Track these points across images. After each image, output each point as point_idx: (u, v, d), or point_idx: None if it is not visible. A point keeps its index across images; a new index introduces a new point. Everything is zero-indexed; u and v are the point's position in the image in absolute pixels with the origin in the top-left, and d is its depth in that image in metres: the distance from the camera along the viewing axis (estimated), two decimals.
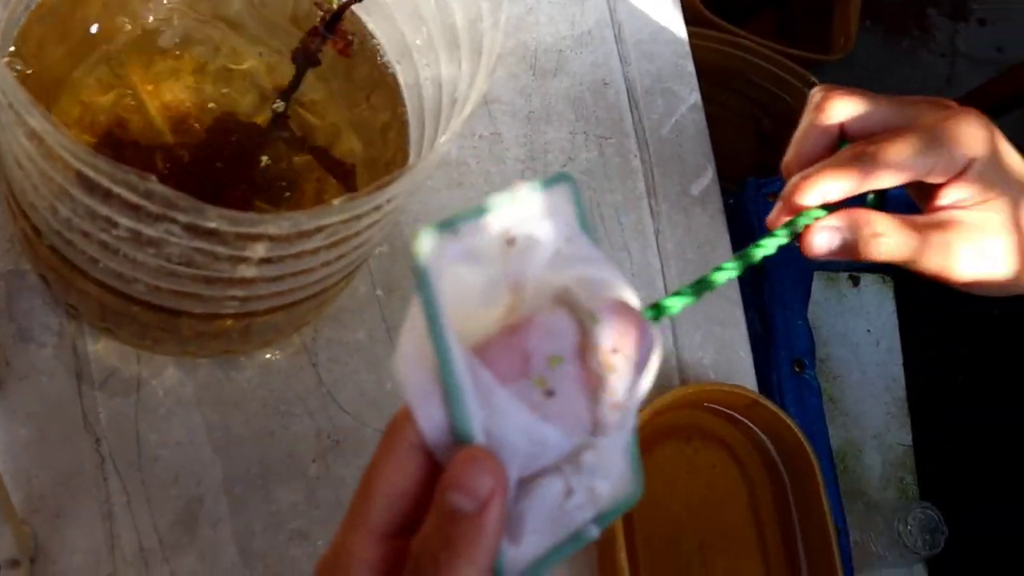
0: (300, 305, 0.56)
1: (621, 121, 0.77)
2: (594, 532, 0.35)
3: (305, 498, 0.65)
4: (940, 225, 0.50)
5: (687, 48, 0.81)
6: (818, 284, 1.09)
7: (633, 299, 0.35)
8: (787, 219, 0.49)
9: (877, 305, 1.11)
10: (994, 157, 0.49)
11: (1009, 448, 1.09)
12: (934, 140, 0.48)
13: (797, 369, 0.79)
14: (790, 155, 0.53)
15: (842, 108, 0.51)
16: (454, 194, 0.72)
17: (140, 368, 0.63)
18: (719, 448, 0.70)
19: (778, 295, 0.80)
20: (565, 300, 0.32)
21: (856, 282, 1.11)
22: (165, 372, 0.64)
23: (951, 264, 0.50)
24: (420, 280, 0.30)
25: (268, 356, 0.66)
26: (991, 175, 0.49)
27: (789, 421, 0.68)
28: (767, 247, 0.47)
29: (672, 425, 0.70)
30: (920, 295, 1.13)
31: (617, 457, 0.37)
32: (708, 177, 0.77)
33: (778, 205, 0.51)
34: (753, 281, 0.82)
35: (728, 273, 0.46)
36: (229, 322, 0.55)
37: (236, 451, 0.64)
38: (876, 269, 1.12)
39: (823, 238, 0.49)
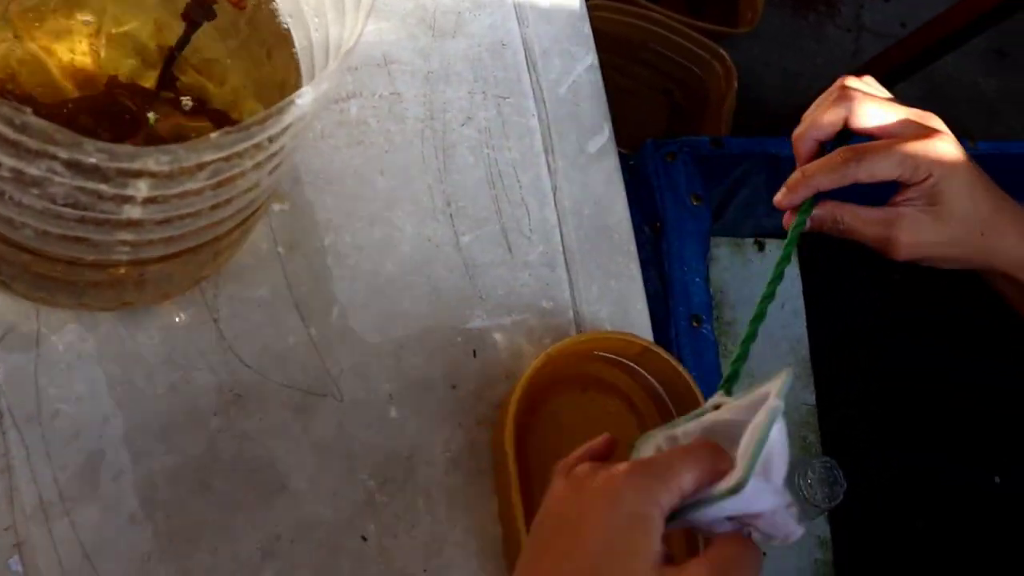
0: (194, 254, 0.57)
1: (519, 81, 0.79)
2: (777, 402, 0.50)
3: (207, 450, 0.65)
4: (889, 221, 0.65)
5: (584, 10, 0.83)
6: (725, 249, 1.12)
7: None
8: (794, 208, 0.66)
9: None
10: (950, 176, 0.64)
11: (907, 404, 1.13)
12: (908, 157, 0.63)
13: (695, 324, 0.82)
14: (803, 130, 0.67)
15: (861, 111, 0.65)
16: (354, 152, 0.73)
17: (39, 324, 0.63)
18: (614, 396, 0.72)
19: (676, 253, 0.83)
20: None
21: (761, 247, 1.14)
22: (65, 328, 0.64)
23: (891, 248, 0.66)
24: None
25: (169, 312, 0.66)
26: (943, 188, 0.65)
27: (679, 367, 0.70)
28: (791, 245, 0.64)
29: (567, 375, 0.72)
30: (823, 260, 1.16)
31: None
32: (605, 136, 0.79)
33: (783, 190, 0.66)
34: (652, 240, 0.85)
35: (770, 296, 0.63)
36: (123, 270, 0.55)
37: (138, 405, 0.65)
38: (781, 235, 1.15)
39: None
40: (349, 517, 0.67)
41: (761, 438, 0.49)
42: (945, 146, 0.64)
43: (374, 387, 0.70)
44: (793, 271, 1.14)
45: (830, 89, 0.67)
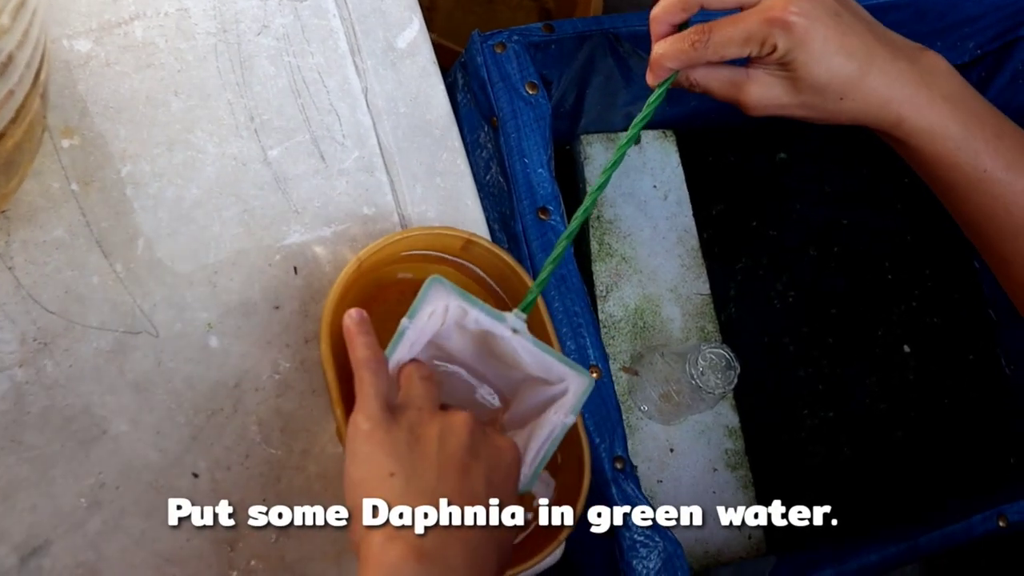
0: None
1: None
2: (571, 419, 0.63)
3: (15, 405, 0.62)
4: (738, 83, 0.66)
5: None
6: (599, 146, 1.08)
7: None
8: (654, 83, 0.67)
9: (661, 160, 1.10)
10: (799, 46, 0.62)
11: (803, 284, 1.10)
12: (752, 35, 0.62)
13: (542, 216, 0.78)
14: (657, 12, 0.66)
15: None
16: (144, 75, 0.69)
17: None
18: None
19: (515, 145, 0.79)
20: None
21: (637, 140, 1.10)
22: None
23: (742, 107, 0.67)
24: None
25: None
26: (793, 58, 0.63)
27: (504, 256, 0.67)
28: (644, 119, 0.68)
29: (393, 280, 0.68)
30: (703, 146, 1.13)
31: (560, 370, 0.63)
32: (415, 29, 0.75)
33: (648, 71, 0.67)
34: (492, 136, 0.81)
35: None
36: None
37: None
38: (657, 125, 1.11)
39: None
40: (177, 455, 0.64)
41: (550, 450, 0.62)
42: (795, 18, 0.61)
43: (191, 318, 0.66)
44: (673, 160, 1.11)
45: None
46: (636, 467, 0.98)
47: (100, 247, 0.66)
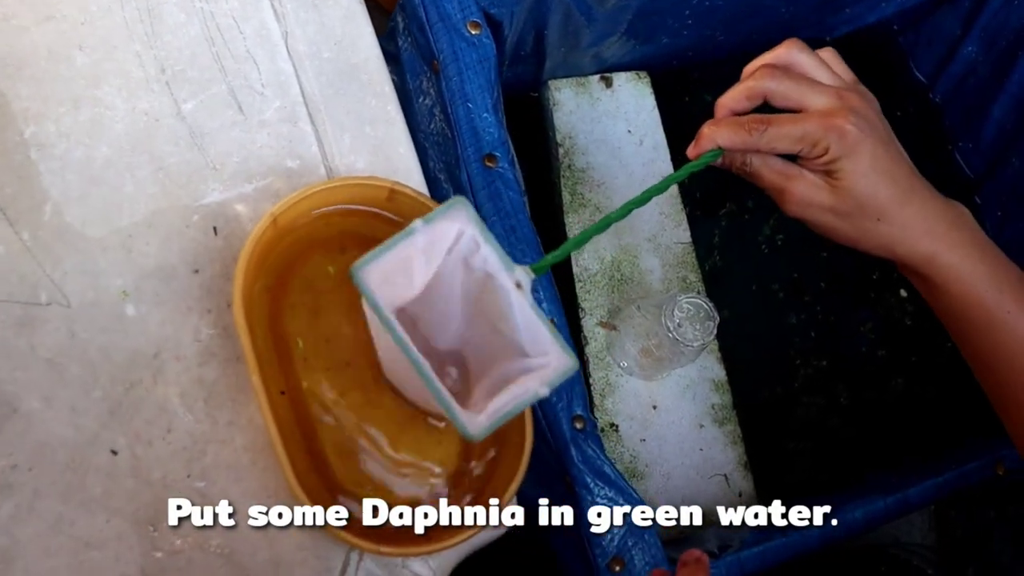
0: None
1: None
2: (544, 391, 0.54)
3: None
4: (788, 175, 0.68)
5: None
6: (568, 92, 1.03)
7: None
8: (696, 155, 0.69)
9: (635, 103, 1.05)
10: (848, 155, 0.65)
11: (788, 230, 1.05)
12: (808, 134, 0.65)
13: (488, 164, 0.73)
14: (724, 100, 0.70)
15: (779, 91, 0.67)
16: (44, 29, 0.65)
17: None
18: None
19: (457, 89, 0.74)
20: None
21: (609, 83, 1.05)
22: None
23: (783, 200, 0.69)
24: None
25: None
26: (840, 166, 0.66)
27: (427, 202, 0.62)
28: (674, 179, 0.68)
29: (321, 237, 0.64)
30: (679, 87, 1.08)
31: (546, 343, 0.56)
32: None
33: (693, 142, 0.69)
34: (435, 80, 0.76)
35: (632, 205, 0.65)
36: None
37: None
38: (630, 66, 1.06)
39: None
40: (94, 431, 0.60)
41: (512, 412, 0.54)
42: (850, 127, 0.65)
43: (105, 285, 0.62)
44: (648, 103, 1.05)
45: (761, 59, 0.69)
46: (617, 426, 0.94)
47: (4, 214, 0.62)
